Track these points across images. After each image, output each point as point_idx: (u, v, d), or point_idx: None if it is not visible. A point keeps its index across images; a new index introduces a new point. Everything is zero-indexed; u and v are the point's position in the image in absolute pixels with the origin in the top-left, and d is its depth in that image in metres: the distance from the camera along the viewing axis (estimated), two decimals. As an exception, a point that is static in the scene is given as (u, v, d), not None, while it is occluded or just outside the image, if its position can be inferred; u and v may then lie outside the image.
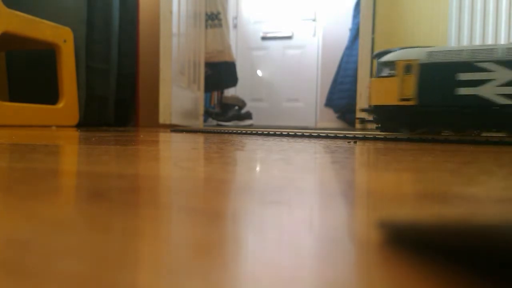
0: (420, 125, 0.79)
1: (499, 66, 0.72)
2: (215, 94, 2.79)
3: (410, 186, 0.23)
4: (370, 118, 0.86)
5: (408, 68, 0.77)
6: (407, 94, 0.77)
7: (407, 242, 0.12)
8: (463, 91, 0.74)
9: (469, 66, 0.74)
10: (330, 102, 2.52)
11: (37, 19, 1.47)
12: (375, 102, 0.82)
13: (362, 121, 0.92)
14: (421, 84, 0.75)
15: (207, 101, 2.72)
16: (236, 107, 2.69)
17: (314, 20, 2.91)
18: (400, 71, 0.78)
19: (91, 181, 0.23)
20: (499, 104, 0.73)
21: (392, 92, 0.78)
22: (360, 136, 0.82)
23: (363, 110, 0.87)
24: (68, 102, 1.62)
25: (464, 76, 0.74)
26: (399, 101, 0.78)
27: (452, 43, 1.71)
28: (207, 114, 2.62)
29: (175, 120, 1.95)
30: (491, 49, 0.75)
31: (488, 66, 0.72)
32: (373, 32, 1.75)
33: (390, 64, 0.79)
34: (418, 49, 0.80)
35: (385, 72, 0.80)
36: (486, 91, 0.73)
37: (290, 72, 2.99)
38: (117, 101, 1.98)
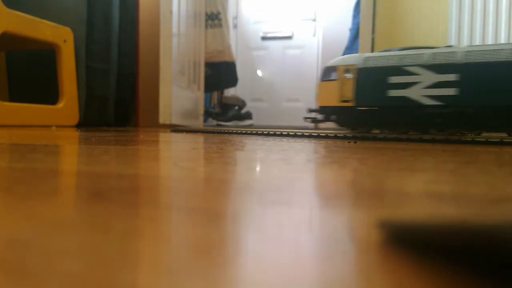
0: (359, 124, 0.87)
1: (424, 70, 0.79)
2: (215, 94, 2.79)
3: (410, 186, 0.23)
4: (319, 117, 0.94)
5: (347, 72, 0.84)
6: (346, 96, 0.86)
7: (407, 242, 0.12)
8: (393, 93, 0.81)
9: (399, 70, 0.81)
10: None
11: (37, 19, 1.47)
12: (321, 103, 0.91)
13: (313, 120, 0.98)
14: (358, 87, 0.84)
15: (207, 101, 2.72)
16: (236, 107, 2.69)
17: (314, 20, 2.91)
18: (341, 75, 0.86)
19: (91, 181, 0.23)
20: (425, 105, 0.78)
21: (334, 94, 0.88)
22: (359, 136, 0.82)
23: (311, 110, 0.96)
24: (68, 102, 1.62)
25: (394, 80, 0.82)
26: (340, 102, 0.87)
27: (452, 43, 1.71)
28: (207, 114, 2.61)
29: (175, 120, 1.95)
30: (418, 55, 0.81)
31: (415, 70, 0.80)
32: (373, 32, 1.75)
33: (333, 69, 0.88)
34: (357, 55, 0.89)
35: (328, 76, 0.89)
36: (414, 93, 0.80)
37: (290, 72, 2.99)
38: (117, 101, 1.98)
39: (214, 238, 0.12)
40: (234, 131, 1.08)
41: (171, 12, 1.95)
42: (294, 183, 0.23)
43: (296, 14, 2.94)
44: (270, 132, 0.98)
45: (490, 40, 1.68)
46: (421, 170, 0.31)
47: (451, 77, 0.75)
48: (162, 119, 1.91)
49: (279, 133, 0.96)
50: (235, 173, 0.27)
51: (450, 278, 0.09)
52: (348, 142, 0.69)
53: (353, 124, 0.88)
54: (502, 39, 1.66)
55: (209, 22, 2.37)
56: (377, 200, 0.19)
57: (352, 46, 1.99)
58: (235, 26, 3.06)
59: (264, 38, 3.05)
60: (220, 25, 2.40)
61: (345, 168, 0.31)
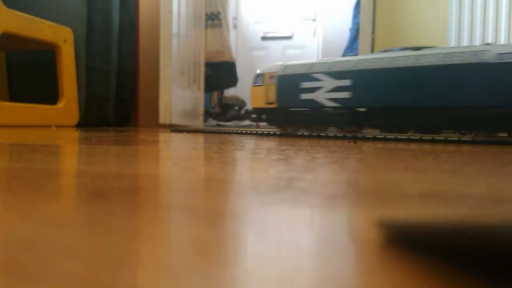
0: (282, 123, 1.04)
1: (327, 76, 0.95)
2: (215, 94, 2.79)
3: (410, 186, 0.23)
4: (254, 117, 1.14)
5: (271, 78, 1.02)
6: (270, 99, 1.04)
7: (407, 242, 0.12)
8: (304, 96, 0.99)
9: (308, 77, 0.98)
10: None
11: (37, 19, 1.47)
12: (252, 105, 1.10)
13: (253, 119, 1.14)
14: (278, 91, 1.02)
15: (207, 101, 2.71)
16: (236, 107, 2.69)
17: (314, 20, 2.91)
18: (267, 81, 1.04)
19: (91, 181, 0.23)
20: (327, 106, 0.96)
21: (262, 97, 1.07)
22: (360, 136, 0.82)
23: (248, 111, 1.16)
24: (68, 102, 1.62)
25: (305, 85, 0.99)
26: (266, 104, 1.05)
27: (452, 43, 1.71)
28: (207, 114, 2.61)
29: (175, 120, 1.95)
30: (322, 63, 0.98)
31: (320, 77, 0.95)
32: (373, 32, 1.75)
33: (261, 76, 1.07)
34: (278, 64, 1.07)
35: (257, 82, 1.07)
36: (318, 96, 0.96)
37: (290, 72, 2.98)
38: (117, 101, 1.98)
39: (214, 238, 0.12)
40: (234, 131, 1.08)
41: (171, 12, 1.95)
42: (294, 183, 0.23)
43: (296, 14, 2.94)
44: (270, 132, 0.98)
45: (490, 40, 1.68)
46: (421, 170, 0.31)
47: (346, 82, 0.92)
48: (162, 119, 1.91)
49: (279, 133, 0.96)
50: (235, 173, 0.27)
51: (450, 278, 0.09)
52: (348, 142, 0.69)
53: (278, 123, 1.06)
54: (502, 39, 1.66)
55: (209, 22, 2.37)
56: (377, 200, 0.19)
57: (352, 46, 1.99)
58: (235, 26, 3.06)
59: (264, 38, 3.05)
60: (220, 25, 2.40)
61: (345, 168, 0.31)
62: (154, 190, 0.21)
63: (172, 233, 0.13)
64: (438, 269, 0.10)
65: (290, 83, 0.99)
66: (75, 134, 0.97)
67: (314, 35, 2.92)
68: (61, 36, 1.57)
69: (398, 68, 0.83)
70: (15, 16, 1.38)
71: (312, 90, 0.96)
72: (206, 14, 2.34)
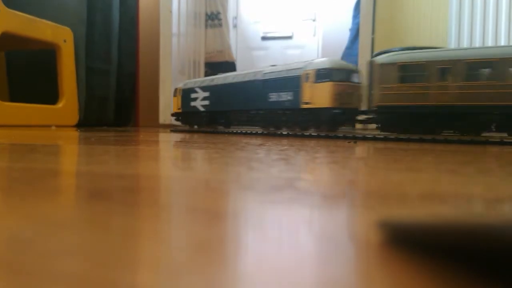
0: (188, 122, 1.43)
1: (200, 89, 1.35)
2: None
3: (410, 186, 0.23)
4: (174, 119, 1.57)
5: (179, 92, 1.45)
6: (179, 106, 1.47)
7: (407, 242, 0.12)
8: (192, 103, 1.39)
9: (193, 90, 1.39)
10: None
11: (37, 19, 1.47)
12: (173, 110, 1.52)
13: (177, 119, 1.53)
14: (181, 101, 1.45)
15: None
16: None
17: (314, 20, 2.90)
18: (178, 93, 1.47)
19: (91, 181, 0.23)
20: (201, 111, 1.35)
21: (176, 105, 1.51)
22: (360, 136, 0.82)
23: (172, 114, 1.53)
24: (68, 102, 1.62)
25: (192, 96, 1.39)
26: (178, 109, 1.48)
27: (452, 43, 1.71)
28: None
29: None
30: (200, 81, 1.39)
31: (197, 90, 1.35)
32: (373, 32, 1.75)
33: (176, 89, 1.50)
34: (185, 81, 1.50)
35: (175, 93, 1.50)
36: (197, 104, 1.36)
37: (290, 72, 2.98)
38: (117, 101, 1.98)
39: (214, 238, 0.12)
40: (234, 131, 1.08)
41: (171, 12, 1.95)
42: (294, 183, 0.23)
43: (296, 14, 2.94)
44: (270, 132, 0.98)
45: (490, 40, 1.68)
46: (421, 170, 0.31)
47: (207, 94, 1.31)
48: (162, 119, 1.91)
49: (279, 133, 0.96)
50: (235, 173, 0.27)
51: (450, 278, 0.09)
52: (348, 142, 0.69)
53: (184, 122, 1.46)
54: (502, 40, 1.66)
55: (209, 22, 2.37)
56: (377, 200, 0.19)
57: (352, 46, 1.99)
58: (235, 26, 3.05)
59: (264, 38, 3.04)
60: (220, 25, 2.40)
61: (345, 167, 0.31)
62: (154, 190, 0.21)
63: (172, 233, 0.13)
64: (438, 269, 0.10)
65: (186, 95, 1.41)
66: (75, 134, 0.97)
67: (314, 35, 2.92)
68: (61, 36, 1.57)
69: (229, 84, 1.23)
70: (15, 16, 1.38)
71: (194, 99, 1.37)
72: (206, 14, 2.34)
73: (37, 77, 1.70)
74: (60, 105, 1.59)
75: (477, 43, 1.69)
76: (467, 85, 0.74)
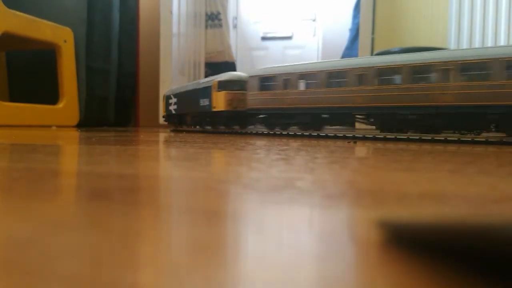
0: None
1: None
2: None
3: (410, 186, 0.23)
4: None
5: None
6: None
7: (407, 242, 0.12)
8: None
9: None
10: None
11: (37, 19, 1.47)
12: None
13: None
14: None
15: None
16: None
17: (314, 20, 2.90)
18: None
19: (91, 181, 0.23)
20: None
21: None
22: (360, 136, 0.82)
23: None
24: (68, 102, 1.62)
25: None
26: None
27: (452, 43, 1.71)
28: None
29: (175, 120, 1.95)
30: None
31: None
32: (373, 32, 1.75)
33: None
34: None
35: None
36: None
37: (290, 72, 2.98)
38: (117, 101, 1.98)
39: (214, 238, 0.12)
40: (234, 131, 1.08)
41: (171, 12, 1.95)
42: (294, 183, 0.23)
43: (296, 14, 2.93)
44: (270, 132, 0.98)
45: (489, 40, 1.68)
46: (421, 170, 0.31)
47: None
48: (163, 119, 1.91)
49: (278, 133, 0.96)
50: (235, 173, 0.27)
51: (450, 278, 0.09)
52: (348, 142, 0.69)
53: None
54: (502, 40, 1.66)
55: (209, 22, 2.37)
56: (377, 200, 0.19)
57: (352, 46, 1.99)
58: (235, 26, 3.05)
59: (264, 38, 3.04)
60: (220, 25, 2.40)
61: (345, 168, 0.31)
62: (154, 190, 0.21)
63: (172, 233, 0.13)
64: (438, 269, 0.10)
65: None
66: (75, 134, 0.97)
67: (314, 35, 2.92)
68: (61, 36, 1.57)
69: (184, 91, 1.41)
70: (16, 16, 1.38)
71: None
72: (206, 14, 2.34)
73: (37, 77, 1.70)
74: (60, 105, 1.59)
75: (477, 43, 1.69)
76: (295, 91, 0.98)
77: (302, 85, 0.96)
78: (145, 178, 0.25)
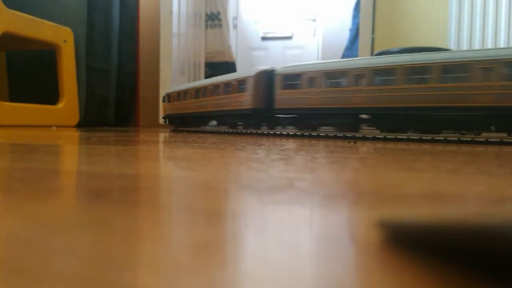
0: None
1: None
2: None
3: (410, 185, 0.23)
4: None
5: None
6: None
7: (407, 242, 0.12)
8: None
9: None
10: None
11: (38, 19, 1.47)
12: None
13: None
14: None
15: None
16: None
17: (314, 20, 2.90)
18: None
19: (91, 181, 0.23)
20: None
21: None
22: (360, 136, 0.82)
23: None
24: (68, 102, 1.62)
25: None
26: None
27: (452, 44, 1.71)
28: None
29: (175, 120, 1.96)
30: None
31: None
32: (373, 32, 1.75)
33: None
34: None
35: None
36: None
37: (290, 72, 2.98)
38: (117, 101, 1.98)
39: (214, 238, 0.12)
40: (234, 131, 1.08)
41: (171, 12, 1.95)
42: (294, 183, 0.23)
43: (296, 14, 2.94)
44: (270, 132, 0.98)
45: (489, 40, 1.67)
46: (421, 170, 0.31)
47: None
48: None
49: (278, 133, 0.96)
50: (235, 173, 0.27)
51: (450, 278, 0.09)
52: (348, 142, 0.69)
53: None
54: (502, 40, 1.66)
55: (209, 22, 2.37)
56: (377, 200, 0.19)
57: (352, 46, 1.99)
58: (235, 26, 3.05)
59: (264, 38, 3.04)
60: (220, 25, 2.40)
61: (344, 167, 0.31)
62: (154, 190, 0.21)
63: (172, 233, 0.13)
64: (438, 269, 0.10)
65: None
66: (75, 134, 0.97)
67: (314, 35, 2.92)
68: (61, 36, 1.57)
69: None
70: (16, 16, 1.38)
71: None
72: (206, 14, 2.34)
73: (37, 77, 1.70)
74: (60, 105, 1.59)
75: (477, 43, 1.69)
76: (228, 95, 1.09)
77: (341, 83, 0.86)
78: (145, 178, 0.25)
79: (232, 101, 1.07)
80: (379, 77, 0.80)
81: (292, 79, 0.94)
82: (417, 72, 0.78)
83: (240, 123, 1.10)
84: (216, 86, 1.15)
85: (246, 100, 1.02)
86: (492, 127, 0.76)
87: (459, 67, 0.74)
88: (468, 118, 0.75)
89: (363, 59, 0.88)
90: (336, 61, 0.92)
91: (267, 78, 1.01)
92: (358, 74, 0.83)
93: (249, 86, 1.01)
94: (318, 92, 0.89)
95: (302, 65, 0.97)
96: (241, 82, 1.04)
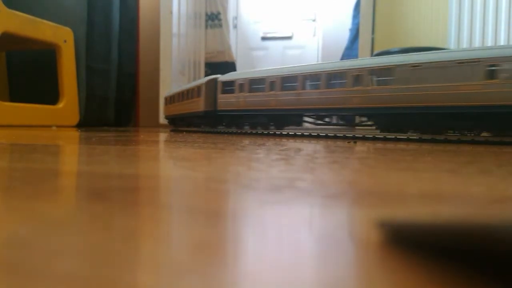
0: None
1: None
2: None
3: (410, 186, 0.23)
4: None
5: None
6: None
7: (407, 242, 0.12)
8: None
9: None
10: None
11: (37, 19, 1.47)
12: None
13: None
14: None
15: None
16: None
17: (314, 20, 2.90)
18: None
19: (91, 181, 0.23)
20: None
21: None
22: (360, 136, 0.82)
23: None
24: (68, 102, 1.62)
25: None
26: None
27: (452, 43, 1.71)
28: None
29: (175, 120, 1.96)
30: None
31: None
32: (373, 32, 1.75)
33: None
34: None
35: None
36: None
37: (290, 72, 2.97)
38: (117, 101, 1.98)
39: (214, 238, 0.12)
40: (234, 131, 1.08)
41: (171, 12, 1.95)
42: (294, 183, 0.23)
43: (296, 14, 2.93)
44: (270, 132, 0.98)
45: (490, 40, 1.67)
46: (421, 170, 0.31)
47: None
48: (162, 119, 1.91)
49: (278, 133, 0.96)
50: (235, 173, 0.27)
51: (450, 278, 0.09)
52: (348, 142, 0.69)
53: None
54: (502, 40, 1.66)
55: (209, 22, 2.37)
56: (377, 200, 0.19)
57: (352, 46, 1.99)
58: (235, 26, 3.05)
59: (264, 38, 3.04)
60: (220, 26, 2.39)
61: (345, 167, 0.31)
62: (154, 190, 0.21)
63: (172, 233, 0.13)
64: (438, 269, 0.10)
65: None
66: (75, 134, 0.97)
67: (314, 35, 2.92)
68: (61, 36, 1.57)
69: None
70: (16, 16, 1.38)
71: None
72: (206, 14, 2.34)
73: (37, 77, 1.70)
74: (60, 105, 1.59)
75: (477, 43, 1.69)
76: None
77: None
78: (145, 178, 0.25)
79: (193, 104, 1.26)
80: (286, 84, 0.98)
81: (228, 85, 1.12)
82: (314, 78, 0.93)
83: (199, 123, 1.27)
84: (187, 92, 1.33)
85: (201, 103, 1.20)
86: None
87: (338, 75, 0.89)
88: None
89: (277, 69, 1.04)
90: (259, 70, 1.10)
91: (214, 85, 1.18)
92: (272, 82, 1.01)
93: (202, 92, 1.19)
94: (245, 96, 1.07)
95: (237, 73, 1.17)
96: (199, 89, 1.21)
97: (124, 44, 2.00)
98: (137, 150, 0.48)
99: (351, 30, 2.08)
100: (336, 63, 0.93)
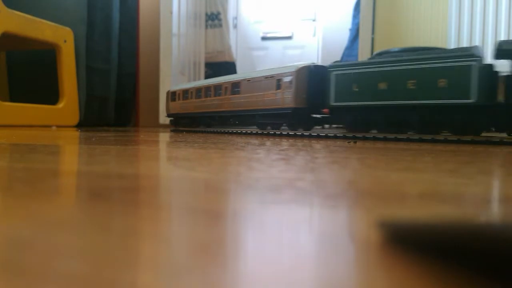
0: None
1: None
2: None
3: (410, 186, 0.23)
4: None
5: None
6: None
7: (407, 242, 0.12)
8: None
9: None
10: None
11: (37, 19, 1.47)
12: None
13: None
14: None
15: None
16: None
17: (314, 20, 2.90)
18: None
19: (91, 181, 0.23)
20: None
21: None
22: (360, 136, 0.82)
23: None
24: (68, 102, 1.62)
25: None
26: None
27: (452, 43, 1.71)
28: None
29: (175, 120, 1.96)
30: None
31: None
32: (373, 32, 1.75)
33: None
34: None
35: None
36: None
37: (290, 72, 2.97)
38: (117, 101, 1.98)
39: (214, 238, 0.12)
40: (234, 131, 1.08)
41: (171, 12, 1.95)
42: (294, 183, 0.23)
43: (296, 14, 2.93)
44: (270, 132, 0.98)
45: (489, 40, 1.67)
46: (421, 170, 0.31)
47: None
48: (162, 119, 1.91)
49: (279, 133, 0.96)
50: (235, 173, 0.27)
51: (450, 278, 0.09)
52: (348, 142, 0.69)
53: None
54: (502, 39, 1.66)
55: (209, 22, 2.37)
56: (377, 200, 0.19)
57: (352, 46, 1.99)
58: (235, 26, 3.05)
59: (264, 38, 3.04)
60: (220, 25, 2.39)
61: (345, 168, 0.31)
62: (154, 190, 0.21)
63: (172, 233, 0.13)
64: (438, 269, 0.10)
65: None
66: (75, 134, 0.97)
67: (314, 35, 2.92)
68: (61, 36, 1.57)
69: None
70: (16, 16, 1.38)
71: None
72: (206, 14, 2.34)
73: (37, 77, 1.70)
74: (60, 105, 1.59)
75: (477, 43, 1.69)
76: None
77: None
78: (145, 178, 0.25)
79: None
80: (199, 93, 1.38)
81: (173, 94, 1.55)
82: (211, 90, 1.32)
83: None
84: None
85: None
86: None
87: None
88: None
89: (198, 82, 1.43)
90: (190, 83, 1.57)
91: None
92: (189, 92, 1.44)
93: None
94: (180, 103, 1.50)
95: (181, 85, 1.60)
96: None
97: (124, 44, 2.00)
98: (138, 150, 0.48)
99: (351, 30, 2.08)
100: (222, 78, 1.31)
